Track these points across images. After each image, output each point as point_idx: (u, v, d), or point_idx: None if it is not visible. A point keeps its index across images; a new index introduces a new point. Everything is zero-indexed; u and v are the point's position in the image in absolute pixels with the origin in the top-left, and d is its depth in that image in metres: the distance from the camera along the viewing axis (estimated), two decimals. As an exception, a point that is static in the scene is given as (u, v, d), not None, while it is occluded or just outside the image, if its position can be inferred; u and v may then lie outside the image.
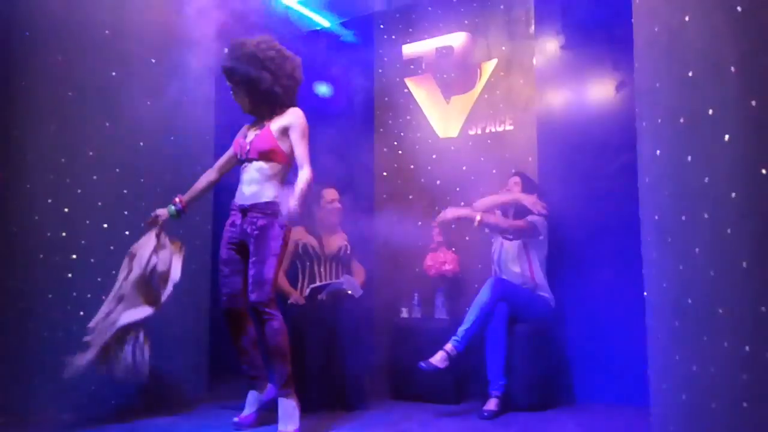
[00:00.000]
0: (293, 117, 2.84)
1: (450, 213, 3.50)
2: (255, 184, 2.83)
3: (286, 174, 2.90)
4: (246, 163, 2.88)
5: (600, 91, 3.82)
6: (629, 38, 2.31)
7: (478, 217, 3.42)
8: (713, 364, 1.67)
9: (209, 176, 3.07)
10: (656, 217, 1.98)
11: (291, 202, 2.62)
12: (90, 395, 3.16)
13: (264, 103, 2.88)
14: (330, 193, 3.88)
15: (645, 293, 2.18)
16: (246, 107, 2.94)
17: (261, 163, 2.83)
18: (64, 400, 3.14)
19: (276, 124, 2.85)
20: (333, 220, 3.85)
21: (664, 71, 1.91)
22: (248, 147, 2.85)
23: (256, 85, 2.82)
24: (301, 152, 2.80)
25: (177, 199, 2.99)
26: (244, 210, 2.83)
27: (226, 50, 2.92)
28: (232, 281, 2.90)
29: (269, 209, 2.78)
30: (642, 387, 2.59)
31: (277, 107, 2.89)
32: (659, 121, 1.93)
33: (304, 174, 2.74)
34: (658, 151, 1.94)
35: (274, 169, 2.84)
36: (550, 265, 3.60)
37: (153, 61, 3.53)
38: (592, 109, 3.82)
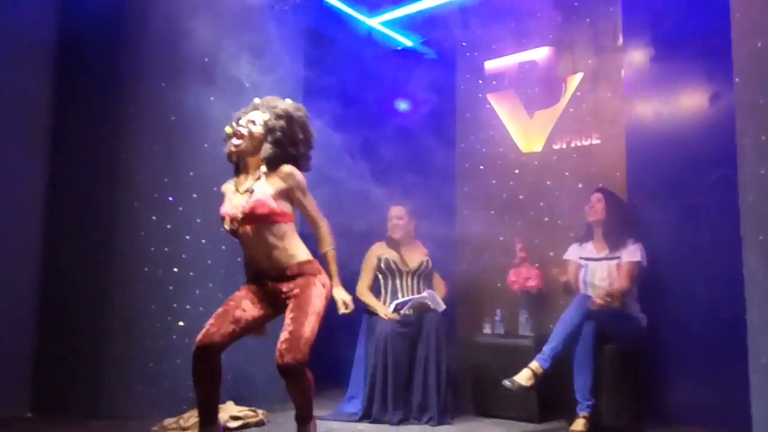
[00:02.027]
0: (291, 178, 2.51)
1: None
2: (272, 252, 2.48)
3: (295, 229, 2.58)
4: (245, 234, 2.49)
5: (693, 104, 3.70)
6: (723, 49, 2.24)
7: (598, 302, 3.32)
8: (827, 392, 1.59)
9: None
10: (760, 237, 1.91)
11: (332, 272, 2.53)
12: (188, 401, 3.33)
13: (271, 162, 2.52)
14: (394, 210, 3.95)
15: (747, 315, 2.09)
16: (246, 149, 2.53)
17: (264, 232, 2.47)
18: (165, 405, 3.33)
19: (270, 187, 2.49)
20: (396, 236, 3.91)
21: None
22: (240, 216, 2.46)
23: (288, 145, 2.53)
24: (313, 210, 2.57)
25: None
26: (275, 276, 2.50)
27: (259, 100, 2.67)
28: (227, 315, 2.43)
29: (306, 268, 2.50)
30: (740, 409, 2.47)
31: (273, 168, 2.53)
32: (763, 138, 1.87)
33: (325, 227, 2.58)
34: (762, 170, 1.87)
35: (282, 230, 2.50)
36: (642, 284, 3.50)
37: (246, 85, 3.73)
38: (685, 122, 3.70)
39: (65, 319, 3.57)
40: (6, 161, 3.56)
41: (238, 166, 2.62)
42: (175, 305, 3.48)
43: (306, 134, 2.59)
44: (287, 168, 2.51)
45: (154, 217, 3.50)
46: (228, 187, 2.61)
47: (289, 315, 2.41)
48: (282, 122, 2.52)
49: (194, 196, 3.56)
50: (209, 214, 3.57)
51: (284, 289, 2.47)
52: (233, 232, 2.51)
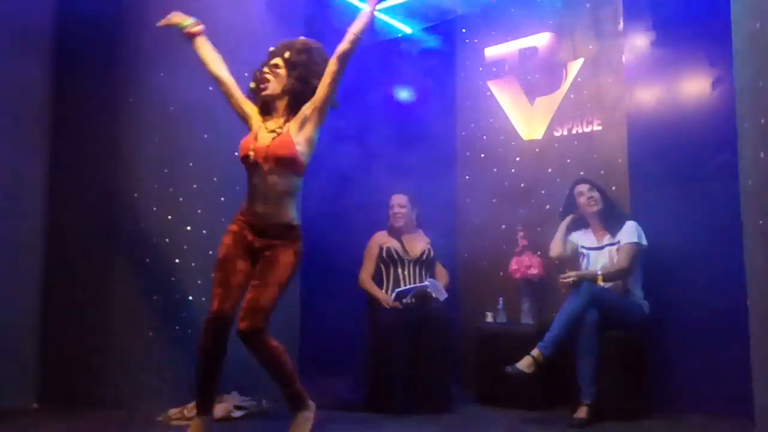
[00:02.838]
0: (306, 105, 2.59)
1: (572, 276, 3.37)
2: (270, 203, 2.54)
3: (300, 189, 2.64)
4: (256, 171, 2.55)
5: (695, 89, 3.67)
6: (725, 32, 2.22)
7: (599, 276, 3.35)
8: (827, 378, 1.58)
9: (215, 63, 2.74)
10: (761, 222, 1.90)
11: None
12: (192, 391, 3.35)
13: (298, 100, 2.60)
14: (395, 199, 3.94)
15: (748, 301, 2.08)
16: (274, 91, 2.62)
17: (275, 177, 2.52)
18: (169, 395, 3.34)
19: (294, 128, 2.57)
20: (397, 224, 3.90)
21: (767, 70, 1.83)
22: (265, 152, 2.52)
23: (313, 77, 2.58)
24: (327, 72, 2.55)
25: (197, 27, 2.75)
26: (257, 228, 2.55)
27: (273, 47, 2.72)
28: (230, 283, 2.50)
29: (287, 233, 2.55)
30: (743, 397, 2.47)
31: (298, 104, 2.62)
32: (762, 121, 1.84)
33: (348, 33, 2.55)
34: (762, 154, 1.85)
35: (291, 182, 2.56)
36: (644, 270, 3.49)
37: (246, 75, 3.69)
38: (687, 107, 3.67)
39: (68, 310, 3.57)
40: (5, 152, 3.55)
41: (268, 111, 2.67)
42: (177, 296, 3.48)
43: (326, 64, 2.60)
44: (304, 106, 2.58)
45: (154, 208, 3.50)
46: (255, 115, 2.67)
47: (254, 281, 2.49)
48: (303, 56, 2.59)
49: (194, 186, 3.54)
50: (210, 204, 3.58)
51: (262, 245, 2.52)
52: (248, 164, 2.56)
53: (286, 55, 2.62)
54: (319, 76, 2.58)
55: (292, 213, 2.59)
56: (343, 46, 2.55)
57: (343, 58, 2.54)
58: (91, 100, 3.66)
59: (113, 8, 3.60)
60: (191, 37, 2.78)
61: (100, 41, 3.65)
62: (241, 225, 2.59)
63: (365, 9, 2.63)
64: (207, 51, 2.78)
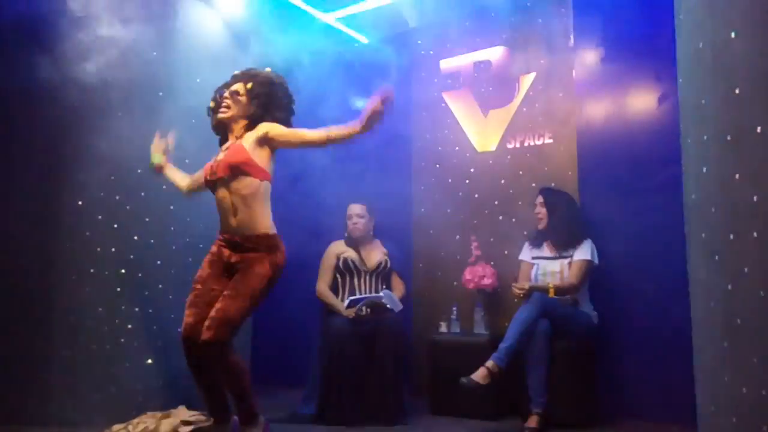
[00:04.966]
0: (266, 126, 2.61)
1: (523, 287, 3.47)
2: (241, 212, 2.56)
3: (268, 193, 2.64)
4: (219, 187, 2.61)
5: (642, 104, 3.78)
6: (671, 50, 2.29)
7: (551, 287, 3.42)
8: (765, 386, 1.63)
9: (184, 180, 2.95)
10: (703, 235, 1.95)
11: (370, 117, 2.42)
12: (138, 406, 3.24)
13: (256, 123, 2.67)
14: (353, 208, 3.90)
15: (691, 311, 2.14)
16: (231, 116, 2.69)
17: (234, 184, 2.56)
18: (113, 411, 3.22)
19: (248, 139, 2.61)
20: (355, 235, 3.87)
21: (709, 88, 1.89)
22: (218, 165, 2.60)
23: (273, 108, 2.68)
24: (305, 133, 2.55)
25: (160, 161, 2.97)
26: (234, 244, 2.58)
27: (239, 72, 2.81)
28: (202, 303, 2.51)
29: (262, 244, 2.54)
30: (688, 405, 2.54)
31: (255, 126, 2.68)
32: (705, 138, 1.91)
33: (329, 129, 2.50)
34: (704, 169, 1.91)
35: (252, 186, 2.56)
36: (592, 281, 3.56)
37: (198, 80, 3.63)
38: (634, 121, 3.78)
39: (8, 322, 3.39)
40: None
41: (225, 137, 2.76)
42: (123, 307, 3.37)
43: (288, 99, 2.76)
44: (263, 124, 2.63)
45: (100, 217, 3.38)
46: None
47: (226, 291, 2.48)
48: (266, 89, 2.69)
49: (142, 194, 3.44)
50: (158, 213, 3.48)
51: (238, 259, 2.55)
52: (210, 184, 2.65)
53: (249, 85, 2.70)
54: (280, 108, 2.70)
55: (265, 221, 2.60)
56: (320, 139, 2.51)
57: (320, 143, 2.53)
58: (34, 102, 3.50)
59: (55, 8, 3.45)
60: (159, 171, 2.98)
61: (43, 44, 3.49)
62: (219, 244, 2.64)
63: (355, 127, 2.47)
64: (177, 178, 2.98)
